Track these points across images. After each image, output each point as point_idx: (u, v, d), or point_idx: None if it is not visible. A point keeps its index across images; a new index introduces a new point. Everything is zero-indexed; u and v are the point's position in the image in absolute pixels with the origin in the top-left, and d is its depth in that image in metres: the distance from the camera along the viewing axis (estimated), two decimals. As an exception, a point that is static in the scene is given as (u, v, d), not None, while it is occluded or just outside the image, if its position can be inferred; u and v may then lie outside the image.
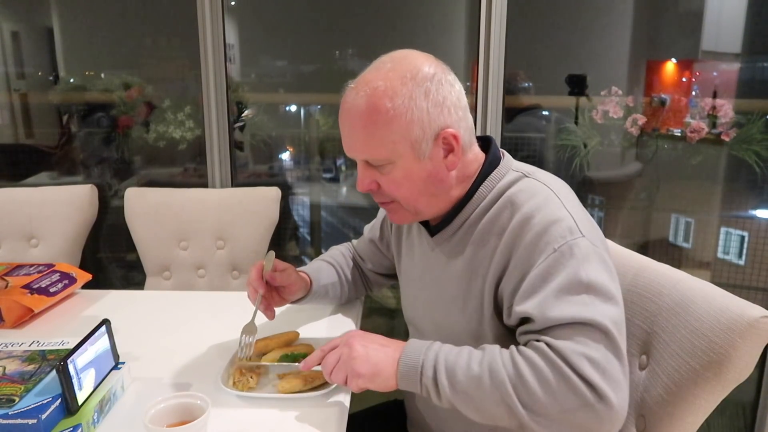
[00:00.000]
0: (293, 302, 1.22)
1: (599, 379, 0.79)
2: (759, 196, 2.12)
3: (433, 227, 1.05)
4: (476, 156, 1.01)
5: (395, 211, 1.02)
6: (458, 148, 0.94)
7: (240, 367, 1.05)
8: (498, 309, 0.96)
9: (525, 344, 0.88)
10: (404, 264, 1.18)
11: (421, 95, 0.91)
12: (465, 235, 1.00)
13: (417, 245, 1.11)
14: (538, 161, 2.29)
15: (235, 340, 1.16)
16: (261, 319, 1.12)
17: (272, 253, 1.13)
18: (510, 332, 0.95)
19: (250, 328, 1.09)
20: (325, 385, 1.01)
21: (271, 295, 1.15)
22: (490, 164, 1.00)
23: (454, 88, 0.95)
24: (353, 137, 0.95)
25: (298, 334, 1.18)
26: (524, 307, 0.87)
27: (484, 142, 1.04)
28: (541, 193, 0.93)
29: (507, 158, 1.03)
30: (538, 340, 0.85)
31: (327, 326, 1.29)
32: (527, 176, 0.98)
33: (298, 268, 1.24)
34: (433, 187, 0.97)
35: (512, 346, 0.88)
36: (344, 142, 0.97)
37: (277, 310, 1.31)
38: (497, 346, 0.89)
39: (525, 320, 0.89)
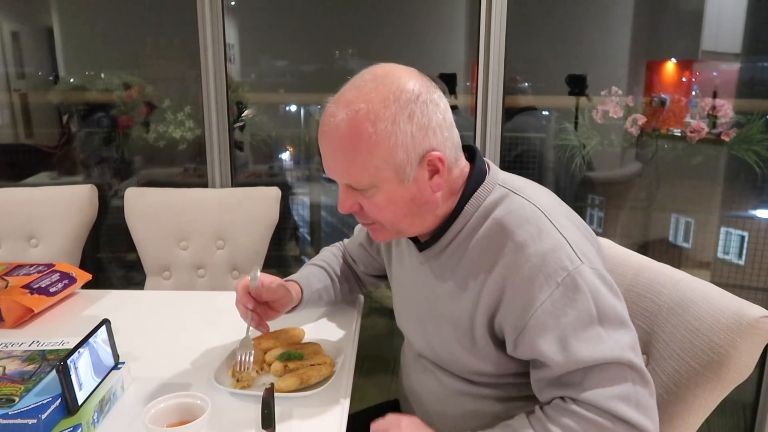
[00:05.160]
0: (287, 312, 1.21)
1: (635, 414, 0.81)
2: (759, 196, 2.12)
3: (421, 243, 1.03)
4: (462, 170, 0.98)
5: (378, 231, 1.00)
6: (443, 169, 0.91)
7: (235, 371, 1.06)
8: (492, 333, 0.95)
9: (549, 402, 0.88)
10: (395, 272, 1.16)
11: (405, 118, 0.87)
12: (453, 254, 0.98)
13: (407, 257, 1.10)
14: (537, 161, 2.29)
15: (234, 340, 1.16)
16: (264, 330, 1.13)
17: (256, 269, 1.11)
18: (502, 347, 0.94)
19: (246, 343, 1.07)
20: (320, 383, 1.02)
21: (262, 309, 1.14)
22: (476, 180, 0.97)
23: (439, 108, 0.90)
24: (334, 161, 0.91)
25: (303, 332, 1.19)
26: (541, 347, 0.86)
27: (469, 152, 1.01)
28: (531, 218, 0.90)
29: (492, 171, 0.99)
30: (563, 398, 0.85)
31: (327, 325, 1.30)
32: (514, 193, 0.95)
33: (289, 277, 1.24)
34: (418, 209, 0.94)
35: (540, 415, 0.87)
36: (325, 164, 0.94)
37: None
38: (525, 420, 0.87)
39: (541, 362, 0.88)
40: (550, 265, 0.86)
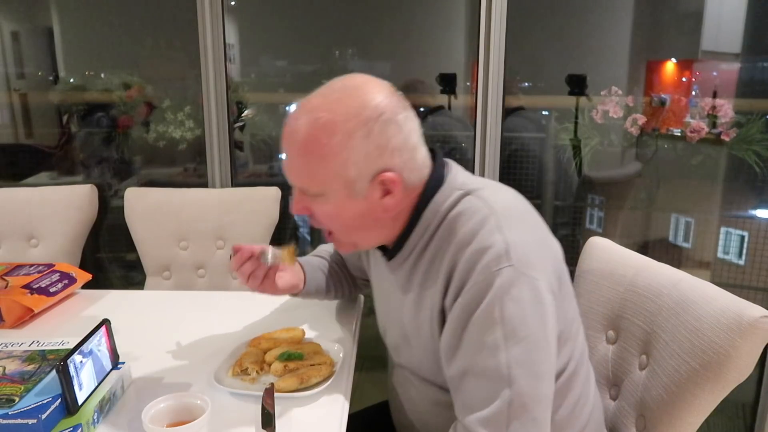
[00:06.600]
0: (294, 294, 1.22)
1: None
2: (759, 196, 2.12)
3: (389, 251, 1.02)
4: (423, 182, 0.96)
5: (335, 241, 1.00)
6: (397, 190, 0.90)
7: (241, 361, 1.07)
8: None
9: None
10: (374, 280, 1.17)
11: (361, 136, 0.86)
12: (415, 262, 0.97)
13: (379, 267, 1.10)
14: (537, 161, 2.29)
15: (234, 340, 1.16)
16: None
17: (269, 250, 1.10)
18: None
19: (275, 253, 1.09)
20: (320, 383, 1.02)
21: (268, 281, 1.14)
22: (434, 186, 0.95)
23: (402, 129, 0.89)
24: (289, 162, 0.92)
25: (303, 332, 1.19)
26: (445, 343, 0.89)
27: (432, 155, 0.99)
28: (476, 216, 0.89)
29: (452, 175, 0.97)
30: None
31: (327, 325, 1.29)
32: (469, 194, 0.93)
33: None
34: (368, 223, 0.94)
35: None
36: (282, 162, 0.95)
37: (278, 308, 1.32)
38: None
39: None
40: (479, 263, 0.85)
